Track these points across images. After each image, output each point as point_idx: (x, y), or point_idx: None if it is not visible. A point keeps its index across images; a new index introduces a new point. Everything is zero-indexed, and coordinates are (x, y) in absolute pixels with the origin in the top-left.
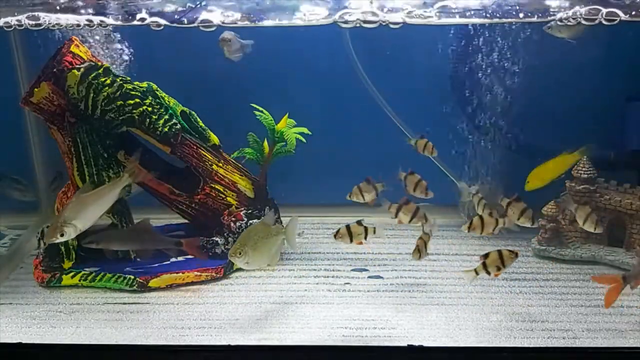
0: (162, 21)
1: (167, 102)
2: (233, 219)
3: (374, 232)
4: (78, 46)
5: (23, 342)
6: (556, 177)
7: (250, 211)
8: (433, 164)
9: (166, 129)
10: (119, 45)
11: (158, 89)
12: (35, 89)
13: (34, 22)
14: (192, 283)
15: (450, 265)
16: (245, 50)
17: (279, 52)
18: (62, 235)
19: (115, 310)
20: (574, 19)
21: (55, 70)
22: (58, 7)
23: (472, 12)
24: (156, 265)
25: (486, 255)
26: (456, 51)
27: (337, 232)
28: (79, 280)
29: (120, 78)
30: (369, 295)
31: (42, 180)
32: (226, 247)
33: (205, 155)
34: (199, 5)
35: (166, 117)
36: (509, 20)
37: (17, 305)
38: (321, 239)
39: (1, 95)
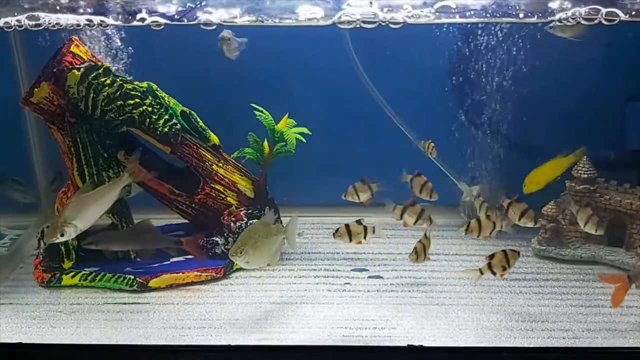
0: (162, 20)
1: (167, 102)
2: (233, 219)
3: (374, 232)
4: (78, 46)
5: (23, 342)
6: (552, 180)
7: (250, 211)
8: (433, 164)
9: (166, 129)
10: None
11: (158, 89)
12: (35, 89)
13: (33, 22)
14: (192, 283)
15: (450, 265)
16: (240, 48)
17: (279, 52)
18: (62, 235)
19: (115, 310)
20: (573, 18)
21: (55, 70)
22: (58, 7)
23: (472, 12)
24: (156, 265)
25: (491, 256)
26: (456, 51)
27: (337, 231)
28: (79, 280)
29: (120, 78)
30: (369, 295)
31: (42, 180)
32: (226, 247)
33: (205, 155)
34: (199, 5)
35: (166, 117)
36: (509, 20)
37: (17, 305)
38: (321, 239)
39: (1, 95)
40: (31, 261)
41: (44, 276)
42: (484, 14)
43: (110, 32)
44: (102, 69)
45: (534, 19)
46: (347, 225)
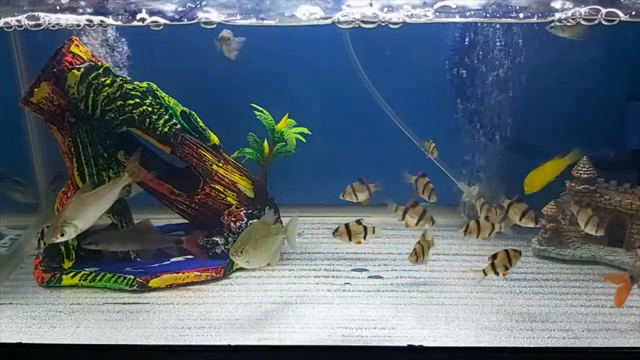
0: (162, 20)
1: (167, 102)
2: (233, 219)
3: (373, 232)
4: (78, 46)
5: (23, 342)
6: (550, 181)
7: (250, 211)
8: (432, 164)
9: (166, 129)
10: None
11: (158, 89)
12: (35, 89)
13: (33, 23)
14: (192, 283)
15: (450, 265)
16: (239, 47)
17: (279, 52)
18: (62, 235)
19: (115, 310)
20: (573, 19)
21: (55, 70)
22: (58, 7)
23: (472, 12)
24: (156, 265)
25: (494, 256)
26: (455, 51)
27: (336, 230)
28: (79, 280)
29: (120, 78)
30: (369, 295)
31: (42, 180)
32: (226, 247)
33: (205, 155)
34: (198, 5)
35: (166, 117)
36: (509, 20)
37: (17, 305)
38: (321, 239)
39: (1, 95)
40: (31, 261)
41: (44, 276)
42: (484, 14)
43: (110, 32)
44: (102, 69)
45: (534, 19)
46: (346, 225)
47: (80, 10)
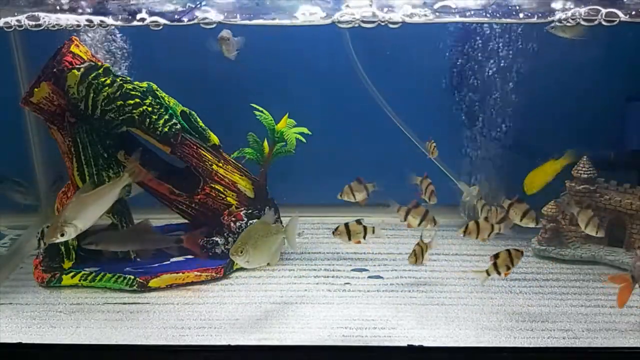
0: (162, 21)
1: (167, 102)
2: (233, 219)
3: (373, 232)
4: (78, 46)
5: (23, 342)
6: (548, 182)
7: (250, 211)
8: (432, 164)
9: (166, 129)
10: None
11: (158, 89)
12: (35, 89)
13: (34, 23)
14: (192, 283)
15: (450, 265)
16: (238, 47)
17: (279, 52)
18: (62, 235)
19: (115, 310)
20: (573, 19)
21: (55, 70)
22: (58, 7)
23: (472, 12)
24: (156, 265)
25: (496, 256)
26: (455, 51)
27: (336, 229)
28: (79, 280)
29: (120, 78)
30: (369, 295)
31: (42, 180)
32: (226, 247)
33: (205, 155)
34: (198, 5)
35: (166, 117)
36: (509, 20)
37: (17, 305)
38: (321, 239)
39: (1, 95)
40: (31, 261)
41: (44, 276)
42: (484, 14)
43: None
44: (102, 69)
45: (534, 19)
46: (346, 225)
47: (80, 10)
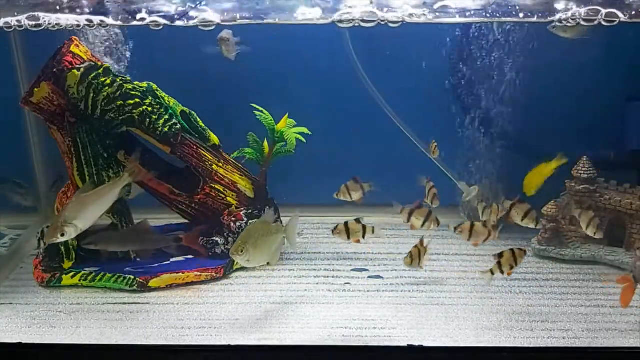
0: (162, 21)
1: (167, 102)
2: (233, 219)
3: (373, 232)
4: (78, 46)
5: (23, 342)
6: (541, 184)
7: (250, 211)
8: (432, 164)
9: (166, 129)
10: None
11: (158, 89)
12: (35, 89)
13: (34, 23)
14: (192, 283)
15: (450, 265)
16: (238, 47)
17: (278, 52)
18: (62, 235)
19: (115, 310)
20: (573, 19)
21: (55, 70)
22: (58, 7)
23: (472, 12)
24: (156, 265)
25: (500, 255)
26: (455, 51)
27: (336, 227)
28: (79, 280)
29: (120, 78)
30: (369, 295)
31: (42, 180)
32: (226, 247)
33: (205, 155)
34: (198, 5)
35: (166, 117)
36: (509, 20)
37: (17, 305)
38: (321, 239)
39: (1, 95)
40: (31, 261)
41: (44, 276)
42: (484, 13)
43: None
44: (102, 69)
45: (534, 19)
46: (345, 223)
47: (79, 10)
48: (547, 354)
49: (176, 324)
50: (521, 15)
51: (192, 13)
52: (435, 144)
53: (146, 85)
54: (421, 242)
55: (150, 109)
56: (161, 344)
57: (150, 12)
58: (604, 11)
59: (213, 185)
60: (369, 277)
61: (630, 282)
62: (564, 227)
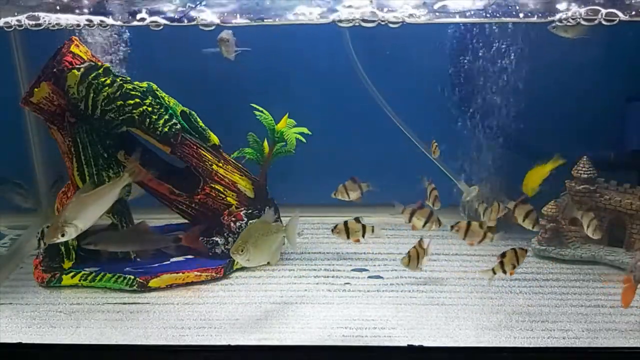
0: (162, 21)
1: (167, 102)
2: (233, 219)
3: (372, 231)
4: (78, 46)
5: (23, 342)
6: (538, 185)
7: (250, 211)
8: (432, 164)
9: (166, 129)
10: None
11: (158, 89)
12: (35, 89)
13: (34, 22)
14: (192, 283)
15: (450, 265)
16: (238, 48)
17: (279, 52)
18: (63, 235)
19: (115, 310)
20: (573, 19)
21: (55, 70)
22: (58, 7)
23: (472, 12)
24: (156, 265)
25: (503, 255)
26: (455, 51)
27: (335, 227)
28: (79, 280)
29: (120, 78)
30: (369, 295)
31: (42, 180)
32: (226, 247)
33: (205, 155)
34: (198, 5)
35: (166, 117)
36: (509, 20)
37: (17, 305)
38: (321, 239)
39: (1, 95)
40: (31, 261)
41: (44, 276)
42: (484, 13)
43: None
44: (102, 69)
45: (533, 19)
46: (345, 223)
47: (79, 11)
48: (547, 354)
49: (176, 324)
50: (521, 15)
51: (192, 13)
52: (436, 144)
53: (146, 85)
54: (420, 242)
55: (150, 109)
56: (161, 344)
57: (151, 12)
58: (603, 11)
59: (213, 185)
60: (369, 277)
61: (631, 282)
62: (564, 227)
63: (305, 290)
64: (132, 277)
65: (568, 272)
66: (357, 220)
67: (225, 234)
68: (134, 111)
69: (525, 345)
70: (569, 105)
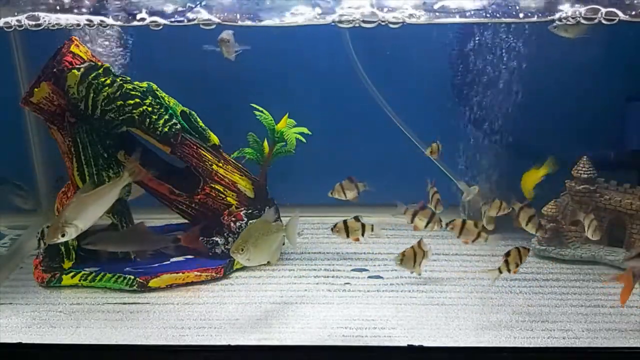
0: (162, 21)
1: (167, 102)
2: (233, 219)
3: (372, 230)
4: (78, 46)
5: (23, 342)
6: (531, 188)
7: (250, 211)
8: (432, 164)
9: (166, 129)
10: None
11: (158, 89)
12: (35, 89)
13: (34, 22)
14: (192, 283)
15: (450, 265)
16: (238, 48)
17: (279, 52)
18: (63, 235)
19: (115, 310)
20: (573, 18)
21: (55, 70)
22: (58, 7)
23: (472, 12)
24: (156, 265)
25: (507, 254)
26: (455, 51)
27: (335, 225)
28: (79, 280)
29: (120, 78)
30: (369, 295)
31: (42, 180)
32: (226, 247)
33: (205, 155)
34: (198, 5)
35: (166, 117)
36: (509, 20)
37: (17, 305)
38: (321, 239)
39: (1, 95)
40: (31, 261)
41: (44, 276)
42: (484, 13)
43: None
44: (102, 69)
45: (533, 19)
46: (344, 221)
47: (77, 10)
48: (547, 354)
49: (176, 324)
50: (521, 15)
51: (192, 13)
52: (438, 144)
53: (146, 85)
54: (420, 243)
55: (150, 109)
56: (161, 344)
57: (150, 12)
58: (603, 10)
59: (213, 185)
60: (369, 277)
61: (629, 280)
62: (564, 227)
63: (305, 290)
64: (132, 277)
65: (568, 272)
66: (356, 219)
67: (225, 234)
68: (134, 111)
69: (525, 345)
70: (569, 105)
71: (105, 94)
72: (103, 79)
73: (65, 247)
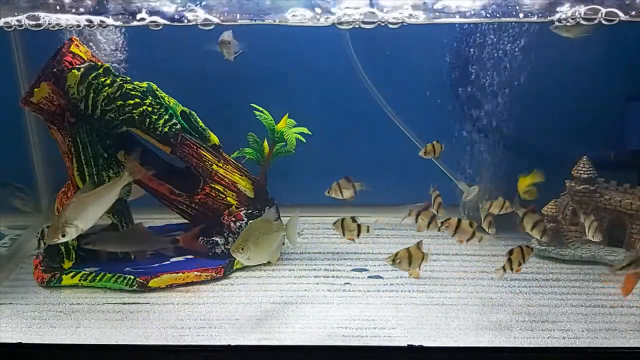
0: (162, 21)
1: (167, 102)
2: (233, 219)
3: (368, 231)
4: (78, 46)
5: (23, 342)
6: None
7: (250, 211)
8: (432, 164)
9: (166, 129)
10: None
11: (158, 89)
12: (35, 89)
13: (34, 22)
14: (192, 283)
15: (450, 265)
16: (238, 49)
17: (278, 52)
18: (63, 235)
19: (115, 310)
20: (573, 18)
21: (55, 70)
22: (58, 7)
23: (472, 12)
24: (156, 265)
25: (510, 252)
26: (455, 51)
27: (334, 223)
28: (79, 280)
29: (120, 78)
30: (369, 295)
31: (42, 180)
32: (226, 247)
33: (205, 155)
34: (198, 5)
35: (166, 117)
36: (509, 20)
37: (17, 305)
38: (321, 239)
39: (1, 95)
40: (31, 261)
41: (44, 276)
42: (484, 13)
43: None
44: (102, 69)
45: (534, 19)
46: (342, 220)
47: (75, 11)
48: (547, 354)
49: (176, 324)
50: (521, 15)
51: (191, 13)
52: (438, 144)
53: (146, 85)
54: (418, 245)
55: (150, 109)
56: (161, 344)
57: (150, 12)
58: (603, 10)
59: (213, 185)
60: (369, 277)
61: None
62: (564, 227)
63: (305, 290)
64: (132, 277)
65: (568, 272)
66: (353, 219)
67: (225, 234)
68: (134, 111)
69: (525, 345)
70: (569, 105)
71: (105, 94)
72: (103, 79)
73: (65, 247)
